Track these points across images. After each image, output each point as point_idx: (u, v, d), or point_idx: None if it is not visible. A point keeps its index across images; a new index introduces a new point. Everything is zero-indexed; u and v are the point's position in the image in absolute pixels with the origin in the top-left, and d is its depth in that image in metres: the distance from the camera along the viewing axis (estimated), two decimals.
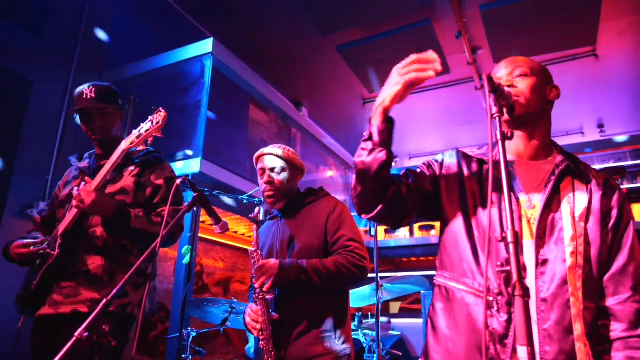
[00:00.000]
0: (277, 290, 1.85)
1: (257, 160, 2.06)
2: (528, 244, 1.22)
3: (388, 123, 1.21)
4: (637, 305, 1.19)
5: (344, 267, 1.79)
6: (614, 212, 1.25)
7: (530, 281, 1.18)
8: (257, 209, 1.92)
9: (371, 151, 1.20)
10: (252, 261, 1.82)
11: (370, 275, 2.01)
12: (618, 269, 1.22)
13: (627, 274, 1.22)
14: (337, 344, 1.80)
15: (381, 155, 1.19)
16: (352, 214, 2.04)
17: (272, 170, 1.99)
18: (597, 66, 6.65)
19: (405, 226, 1.45)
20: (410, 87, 1.17)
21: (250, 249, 1.84)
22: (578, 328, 1.15)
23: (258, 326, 1.76)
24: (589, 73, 6.83)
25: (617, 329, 1.19)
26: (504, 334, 1.16)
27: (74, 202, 1.83)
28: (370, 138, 1.21)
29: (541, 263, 1.19)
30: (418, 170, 1.42)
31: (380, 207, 1.26)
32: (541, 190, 1.26)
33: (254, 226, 1.87)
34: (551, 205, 1.24)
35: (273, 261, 1.78)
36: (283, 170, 2.00)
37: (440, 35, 6.06)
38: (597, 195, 1.26)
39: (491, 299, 1.19)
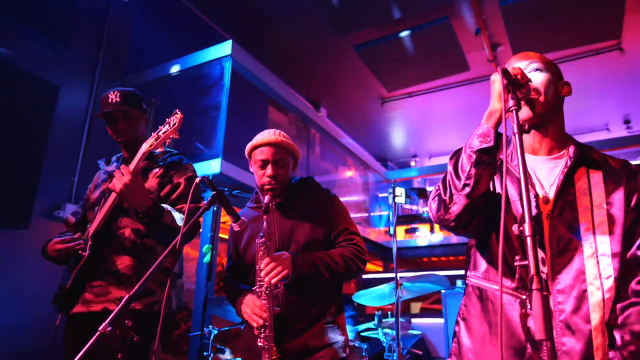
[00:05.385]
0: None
1: (256, 148, 1.88)
2: (546, 238, 1.21)
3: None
4: None
5: (352, 260, 1.80)
6: (636, 193, 1.23)
7: (547, 274, 1.18)
8: (266, 197, 1.83)
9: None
10: (260, 253, 1.73)
11: (389, 274, 2.00)
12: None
13: None
14: (338, 333, 1.79)
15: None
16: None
17: (276, 162, 1.86)
18: (623, 60, 6.47)
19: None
20: None
21: (259, 240, 1.75)
22: (595, 318, 1.13)
23: (261, 321, 1.67)
24: (614, 67, 6.65)
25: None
26: None
27: (111, 186, 1.86)
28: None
29: (557, 255, 1.19)
30: None
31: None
32: (556, 184, 1.25)
33: (264, 216, 1.77)
34: (566, 197, 1.23)
35: (286, 255, 1.72)
36: (287, 162, 1.89)
37: (459, 32, 6.00)
38: (616, 181, 1.24)
39: (524, 297, 1.17)
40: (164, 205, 1.96)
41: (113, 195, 1.97)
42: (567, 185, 1.24)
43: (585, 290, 1.15)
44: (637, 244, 1.18)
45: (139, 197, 1.85)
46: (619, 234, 1.18)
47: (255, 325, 1.68)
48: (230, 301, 1.92)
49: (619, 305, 1.15)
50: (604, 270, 1.16)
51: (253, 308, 1.72)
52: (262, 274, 1.70)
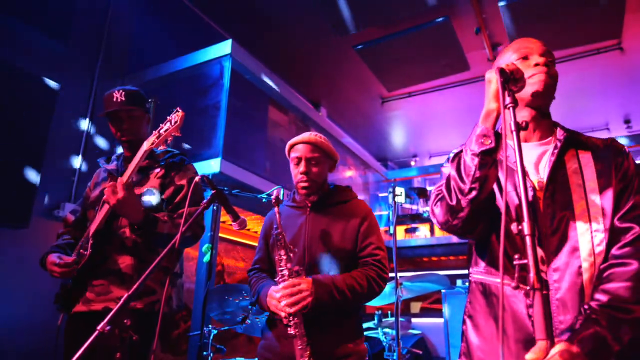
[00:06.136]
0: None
1: (292, 147, 1.96)
2: (540, 221, 1.23)
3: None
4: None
5: (375, 282, 1.80)
6: (623, 169, 1.25)
7: (542, 253, 1.19)
8: (276, 191, 1.85)
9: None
10: (278, 243, 1.75)
11: (389, 274, 2.00)
12: (624, 216, 1.19)
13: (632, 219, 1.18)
14: (360, 344, 1.81)
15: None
16: None
17: (309, 160, 1.91)
18: (623, 60, 6.47)
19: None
20: None
21: (275, 231, 1.77)
22: (590, 294, 1.13)
23: (289, 310, 1.67)
24: (614, 67, 6.64)
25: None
26: None
27: (105, 198, 1.88)
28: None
29: (550, 234, 1.20)
30: None
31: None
32: (547, 167, 1.28)
33: (275, 207, 1.79)
34: (557, 178, 1.25)
35: (306, 284, 1.69)
36: (321, 161, 1.94)
37: (459, 32, 5.99)
38: (604, 159, 1.27)
39: (528, 287, 1.18)
40: (159, 215, 1.96)
41: None
42: (558, 167, 1.26)
43: (580, 267, 1.16)
44: (618, 215, 1.19)
45: (133, 210, 1.88)
46: (610, 209, 1.20)
47: (283, 315, 1.68)
48: (253, 293, 1.92)
49: (600, 269, 1.15)
50: (598, 246, 1.17)
51: (280, 299, 1.72)
52: (281, 304, 1.68)
